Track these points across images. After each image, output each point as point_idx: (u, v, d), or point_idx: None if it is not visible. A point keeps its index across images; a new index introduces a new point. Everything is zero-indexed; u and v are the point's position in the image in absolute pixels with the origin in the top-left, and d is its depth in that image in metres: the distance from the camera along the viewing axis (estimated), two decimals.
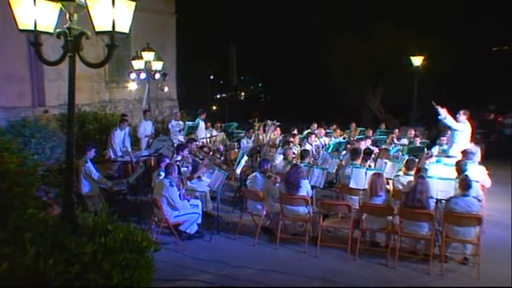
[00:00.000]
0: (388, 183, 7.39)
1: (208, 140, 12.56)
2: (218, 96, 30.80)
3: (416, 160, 8.13)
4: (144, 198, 7.95)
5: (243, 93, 32.73)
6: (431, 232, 6.00)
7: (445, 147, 10.02)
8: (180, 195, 6.80)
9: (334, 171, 8.71)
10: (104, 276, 3.45)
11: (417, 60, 15.99)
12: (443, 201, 6.35)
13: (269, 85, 30.43)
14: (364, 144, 9.91)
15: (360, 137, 11.53)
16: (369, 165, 8.10)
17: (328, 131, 12.71)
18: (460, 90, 19.23)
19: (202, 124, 12.64)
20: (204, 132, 12.59)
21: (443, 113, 9.07)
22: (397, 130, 12.92)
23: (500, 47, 21.32)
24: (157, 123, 15.64)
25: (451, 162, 7.83)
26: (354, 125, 13.79)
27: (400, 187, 7.03)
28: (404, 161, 7.74)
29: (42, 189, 6.10)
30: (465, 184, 5.98)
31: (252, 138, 11.37)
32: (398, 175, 7.39)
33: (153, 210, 6.86)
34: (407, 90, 17.05)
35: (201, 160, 8.53)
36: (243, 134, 12.25)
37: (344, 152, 9.93)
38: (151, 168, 8.69)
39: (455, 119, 9.12)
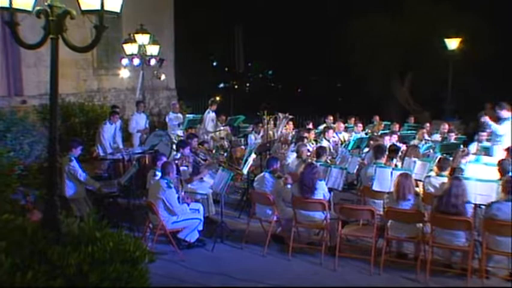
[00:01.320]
0: (417, 186, 7.34)
1: (213, 135, 12.58)
2: (222, 85, 30.80)
3: (451, 159, 8.05)
4: (138, 201, 7.95)
5: (250, 82, 32.69)
6: (468, 242, 5.92)
7: (485, 144, 9.90)
8: (178, 198, 6.80)
9: (354, 171, 8.67)
10: None
11: (453, 43, 15.76)
12: (483, 207, 6.27)
13: (280, 73, 30.36)
14: (389, 141, 9.84)
15: (385, 132, 11.45)
16: (395, 165, 8.04)
17: (347, 125, 12.64)
18: (505, 78, 18.90)
19: (212, 115, 12.81)
20: (212, 126, 12.66)
21: (487, 120, 9.45)
22: (428, 124, 12.81)
23: None
24: (152, 116, 15.70)
25: (493, 161, 7.73)
26: (377, 118, 13.71)
27: (432, 190, 6.97)
28: (437, 160, 7.66)
29: (20, 192, 6.13)
30: (510, 187, 5.89)
31: (261, 134, 11.36)
32: (429, 176, 7.32)
33: (148, 215, 6.87)
34: (440, 78, 16.87)
35: (203, 160, 8.52)
36: (250, 129, 12.24)
37: (366, 150, 9.88)
38: (146, 168, 8.70)
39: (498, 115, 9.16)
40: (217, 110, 13.12)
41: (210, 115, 12.84)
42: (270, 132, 11.40)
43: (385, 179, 7.17)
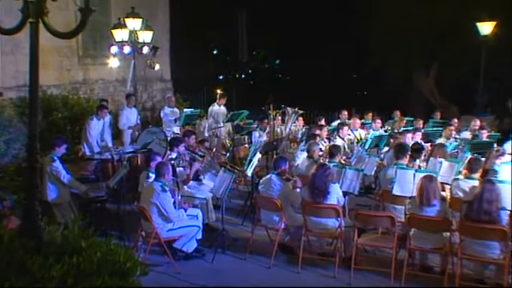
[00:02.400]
0: (444, 189, 7.31)
1: (212, 132, 12.59)
2: (223, 76, 30.82)
3: (483, 159, 8.01)
4: (129, 207, 7.96)
5: (254, 73, 32.67)
6: (504, 255, 5.88)
7: None
8: (174, 202, 6.80)
9: (372, 173, 8.68)
10: None
11: (486, 27, 15.61)
12: None
13: (289, 62, 30.30)
14: (412, 139, 9.84)
15: (407, 128, 11.41)
16: (419, 166, 8.03)
17: (364, 121, 12.63)
18: None
19: (220, 110, 12.95)
20: (212, 121, 12.78)
21: None
22: (456, 120, 12.76)
23: None
24: (145, 110, 15.72)
25: None
26: (398, 113, 13.69)
27: (461, 194, 6.95)
28: (466, 161, 7.64)
29: None
30: None
31: (267, 131, 11.36)
32: (457, 179, 7.31)
33: (140, 222, 6.87)
34: (471, 67, 16.76)
35: (201, 157, 8.54)
36: (255, 125, 12.24)
37: (386, 149, 9.89)
38: (138, 169, 8.72)
39: None
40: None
41: (216, 109, 12.88)
42: (277, 129, 11.39)
43: (407, 182, 7.13)
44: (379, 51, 20.27)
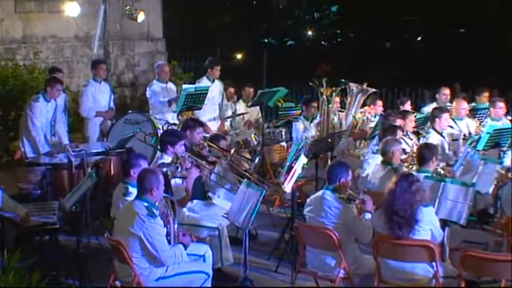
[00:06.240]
0: None
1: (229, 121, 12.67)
2: (247, 35, 30.88)
3: None
4: (95, 240, 8.02)
5: (297, 29, 32.72)
6: None
7: None
8: (168, 234, 6.82)
9: (490, 190, 8.59)
10: None
11: None
12: None
13: (352, 11, 30.26)
14: None
15: None
16: None
17: (476, 105, 12.52)
18: None
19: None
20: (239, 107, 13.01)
21: None
22: None
23: None
24: (121, 87, 15.80)
25: None
26: None
27: None
28: None
29: None
30: None
31: (317, 120, 11.33)
32: None
33: (113, 264, 6.91)
34: None
35: (209, 163, 8.56)
36: (297, 112, 12.21)
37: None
38: (111, 180, 8.77)
39: None
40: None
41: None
42: (334, 118, 11.33)
43: None
44: None
